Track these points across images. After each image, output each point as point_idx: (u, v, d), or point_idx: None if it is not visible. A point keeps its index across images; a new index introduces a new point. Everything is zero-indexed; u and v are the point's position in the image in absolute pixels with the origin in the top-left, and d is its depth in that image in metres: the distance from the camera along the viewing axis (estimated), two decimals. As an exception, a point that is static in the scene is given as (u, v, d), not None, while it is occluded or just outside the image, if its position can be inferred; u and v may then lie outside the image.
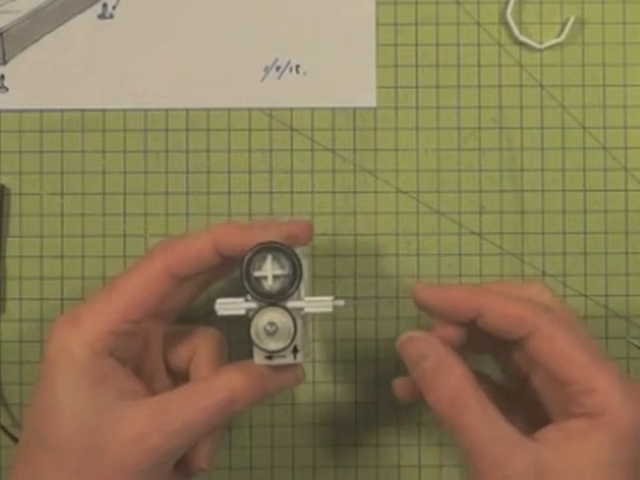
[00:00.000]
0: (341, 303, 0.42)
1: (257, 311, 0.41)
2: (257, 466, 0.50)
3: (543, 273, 0.50)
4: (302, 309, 0.41)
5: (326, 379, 0.50)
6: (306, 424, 0.50)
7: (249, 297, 0.41)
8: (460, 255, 0.50)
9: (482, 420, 0.39)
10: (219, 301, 0.41)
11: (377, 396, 0.50)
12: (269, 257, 0.41)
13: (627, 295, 0.50)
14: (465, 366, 0.40)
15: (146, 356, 0.43)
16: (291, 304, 0.41)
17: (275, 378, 0.42)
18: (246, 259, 0.41)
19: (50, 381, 0.40)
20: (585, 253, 0.50)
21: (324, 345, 0.50)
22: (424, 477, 0.50)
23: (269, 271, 0.41)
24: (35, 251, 0.50)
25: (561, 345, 0.39)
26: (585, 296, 0.50)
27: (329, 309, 0.41)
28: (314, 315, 0.47)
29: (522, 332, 0.40)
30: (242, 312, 0.41)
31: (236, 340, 0.48)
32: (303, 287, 0.41)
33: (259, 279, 0.41)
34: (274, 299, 0.41)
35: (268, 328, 0.40)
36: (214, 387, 0.41)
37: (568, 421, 0.39)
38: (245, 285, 0.41)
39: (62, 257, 0.50)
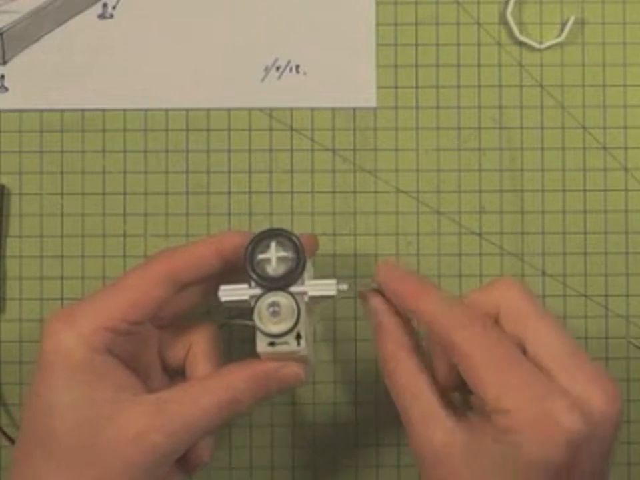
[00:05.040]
0: (344, 286, 0.42)
1: (260, 296, 0.40)
2: (257, 466, 0.50)
3: (543, 273, 0.50)
4: (305, 292, 0.41)
5: (326, 379, 0.50)
6: (306, 424, 0.50)
7: (252, 283, 0.41)
8: (460, 255, 0.50)
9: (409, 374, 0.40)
10: (222, 287, 0.41)
11: (377, 396, 0.50)
12: (273, 243, 0.41)
13: (627, 295, 0.50)
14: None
15: (142, 355, 0.43)
16: (294, 289, 0.41)
17: (277, 377, 0.42)
18: (250, 244, 0.41)
19: (47, 378, 0.40)
20: (585, 253, 0.50)
21: (324, 344, 0.50)
22: (424, 477, 0.50)
23: (273, 254, 0.41)
24: (35, 251, 0.50)
25: (474, 365, 0.38)
26: (585, 296, 0.50)
27: (333, 292, 0.41)
28: (320, 306, 0.47)
29: (443, 344, 0.39)
30: (245, 297, 0.41)
31: (237, 339, 0.48)
32: (306, 276, 0.41)
33: (262, 265, 0.41)
34: (277, 283, 0.40)
35: (271, 309, 0.40)
36: (216, 387, 0.41)
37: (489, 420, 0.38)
38: (248, 270, 0.41)
39: (62, 257, 0.50)
